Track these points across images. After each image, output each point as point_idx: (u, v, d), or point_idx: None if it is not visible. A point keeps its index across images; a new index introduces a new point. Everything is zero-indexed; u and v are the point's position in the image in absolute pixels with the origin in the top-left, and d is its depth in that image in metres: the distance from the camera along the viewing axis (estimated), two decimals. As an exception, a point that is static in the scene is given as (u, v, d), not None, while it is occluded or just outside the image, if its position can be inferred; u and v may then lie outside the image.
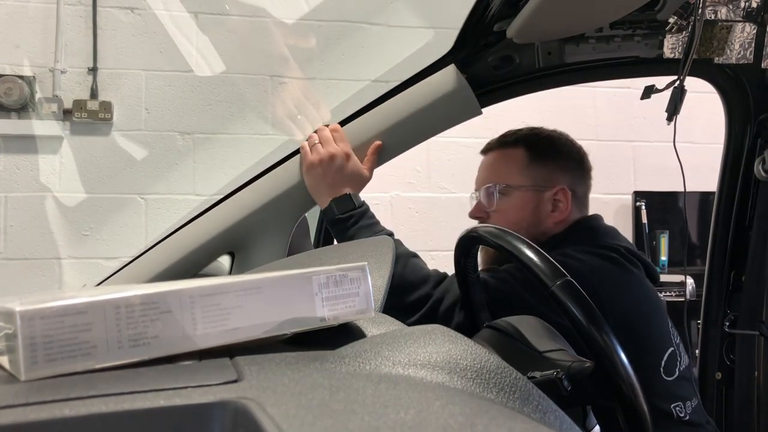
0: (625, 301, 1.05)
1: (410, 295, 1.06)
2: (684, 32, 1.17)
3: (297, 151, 1.18)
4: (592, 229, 1.19)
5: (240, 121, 2.73)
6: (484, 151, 1.29)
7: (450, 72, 1.15)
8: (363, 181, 1.16)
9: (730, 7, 1.15)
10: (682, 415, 1.05)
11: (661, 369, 1.05)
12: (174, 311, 0.41)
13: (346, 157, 1.13)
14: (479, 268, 1.01)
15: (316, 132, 1.17)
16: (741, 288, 1.35)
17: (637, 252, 1.13)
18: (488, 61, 1.18)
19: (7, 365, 0.40)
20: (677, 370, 1.07)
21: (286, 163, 1.18)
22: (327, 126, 1.17)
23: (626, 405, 0.67)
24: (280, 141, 2.72)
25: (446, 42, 1.16)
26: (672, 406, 1.04)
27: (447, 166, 2.90)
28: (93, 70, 2.62)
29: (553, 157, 1.22)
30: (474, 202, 1.26)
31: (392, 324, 0.53)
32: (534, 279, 0.74)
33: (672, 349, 1.08)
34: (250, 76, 2.74)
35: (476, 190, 1.27)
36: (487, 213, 1.22)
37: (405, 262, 1.10)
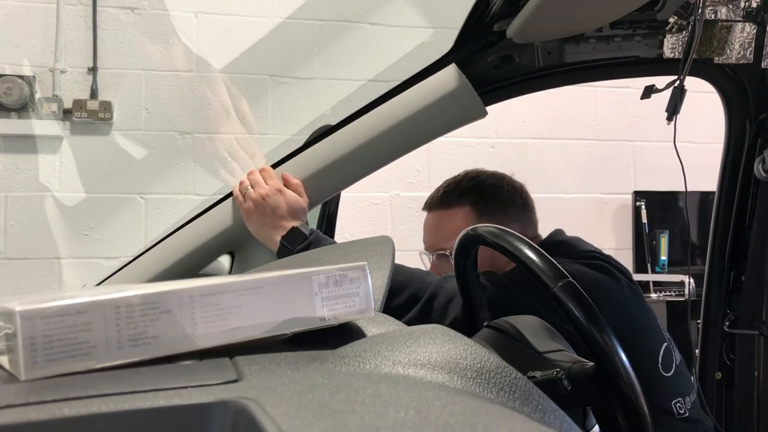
0: (616, 303, 1.05)
1: (400, 296, 1.05)
2: (684, 32, 1.17)
3: (297, 151, 1.18)
4: (561, 243, 1.18)
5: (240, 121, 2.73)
6: (428, 208, 1.27)
7: (451, 72, 1.14)
8: (303, 210, 1.14)
9: (730, 6, 1.15)
10: (683, 411, 1.05)
11: (659, 366, 1.05)
12: (174, 311, 0.41)
13: (278, 192, 1.11)
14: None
15: (246, 177, 1.15)
16: (741, 288, 1.35)
17: (607, 257, 1.14)
18: (488, 60, 1.18)
19: (7, 365, 0.40)
20: (674, 365, 1.07)
21: (287, 163, 1.18)
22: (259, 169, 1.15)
23: (626, 405, 0.67)
24: (280, 140, 2.73)
25: (446, 42, 1.16)
26: (673, 402, 1.05)
27: (447, 166, 2.90)
28: (93, 70, 2.62)
29: (500, 210, 1.20)
30: (429, 264, 1.25)
31: (392, 324, 0.53)
32: (535, 280, 0.74)
33: (666, 344, 1.08)
34: (250, 76, 2.74)
35: (426, 250, 1.25)
36: (442, 273, 1.20)
37: None
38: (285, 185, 1.14)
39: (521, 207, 1.23)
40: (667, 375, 1.06)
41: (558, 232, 1.23)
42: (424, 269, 1.16)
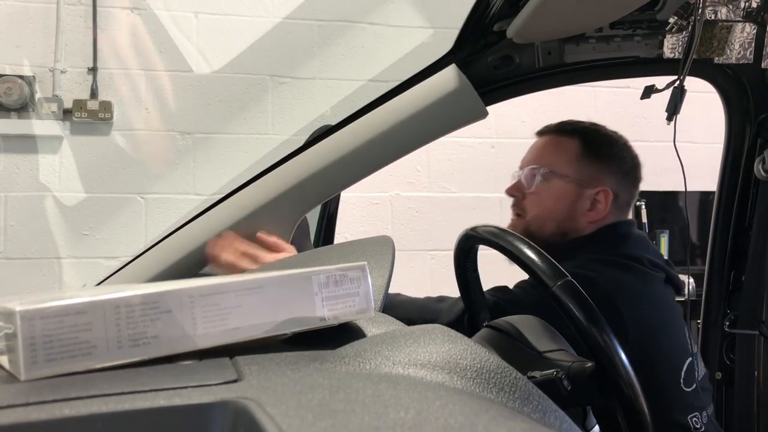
0: (644, 313, 1.03)
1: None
2: (684, 32, 1.17)
3: (297, 151, 1.18)
4: (619, 235, 1.17)
5: (240, 121, 2.73)
6: (540, 133, 1.27)
7: (451, 72, 1.14)
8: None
9: (730, 7, 1.15)
10: (699, 426, 1.03)
11: (681, 381, 1.04)
12: (174, 311, 0.41)
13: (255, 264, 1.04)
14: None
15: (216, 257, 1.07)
16: (741, 288, 1.35)
17: (660, 263, 1.12)
18: (488, 60, 1.17)
19: (7, 365, 0.40)
20: (695, 380, 1.05)
21: (287, 163, 1.18)
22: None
23: (626, 405, 0.67)
24: (280, 141, 2.73)
25: (446, 42, 1.16)
26: (689, 417, 1.03)
27: (447, 166, 2.90)
28: (93, 70, 2.62)
29: (605, 156, 1.20)
30: (514, 180, 1.24)
31: (392, 324, 0.53)
32: (534, 279, 0.74)
33: (691, 359, 1.06)
34: (250, 76, 2.74)
35: (520, 168, 1.24)
36: (523, 194, 1.21)
37: (392, 304, 1.07)
38: (262, 244, 1.07)
39: (628, 168, 1.22)
40: (687, 390, 1.04)
41: (625, 223, 1.21)
42: (433, 296, 1.14)
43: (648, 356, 0.85)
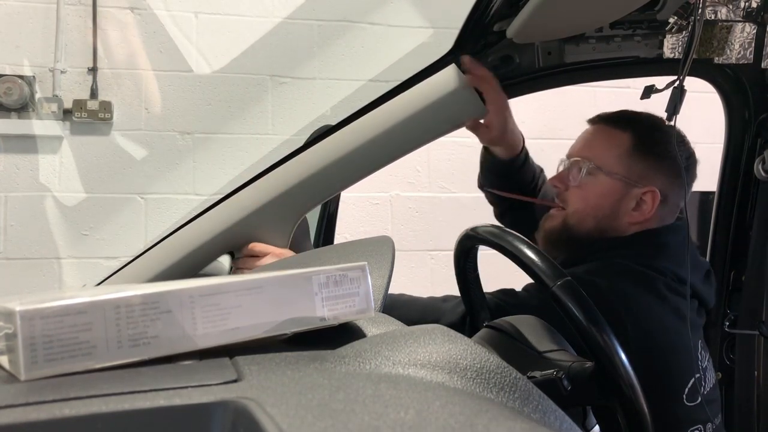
0: (651, 329, 0.99)
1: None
2: (684, 32, 1.17)
3: (297, 151, 1.18)
4: (656, 245, 1.10)
5: (240, 121, 2.73)
6: (591, 122, 1.20)
7: (451, 72, 1.14)
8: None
9: (730, 7, 1.15)
10: None
11: (684, 395, 1.01)
12: (174, 311, 0.41)
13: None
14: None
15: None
16: (741, 288, 1.35)
17: (686, 278, 1.03)
18: (488, 60, 1.17)
19: (7, 365, 0.40)
20: (700, 395, 1.02)
21: (287, 163, 1.18)
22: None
23: (626, 405, 0.67)
24: (280, 141, 2.73)
25: (446, 42, 1.16)
26: (690, 430, 1.00)
27: (447, 166, 2.90)
28: (93, 70, 2.62)
29: (657, 154, 1.12)
30: (560, 168, 1.19)
31: (392, 324, 0.53)
32: (534, 279, 0.74)
33: (697, 375, 1.02)
34: (250, 76, 2.74)
35: (567, 157, 1.18)
36: (566, 185, 1.15)
37: (396, 304, 1.07)
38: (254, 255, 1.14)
39: (680, 170, 1.12)
40: (690, 404, 1.01)
41: (667, 231, 1.12)
42: (436, 296, 1.13)
43: (649, 373, 0.82)
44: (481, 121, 1.18)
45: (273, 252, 1.14)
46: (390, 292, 0.62)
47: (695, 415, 1.02)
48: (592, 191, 1.12)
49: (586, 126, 1.21)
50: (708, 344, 1.37)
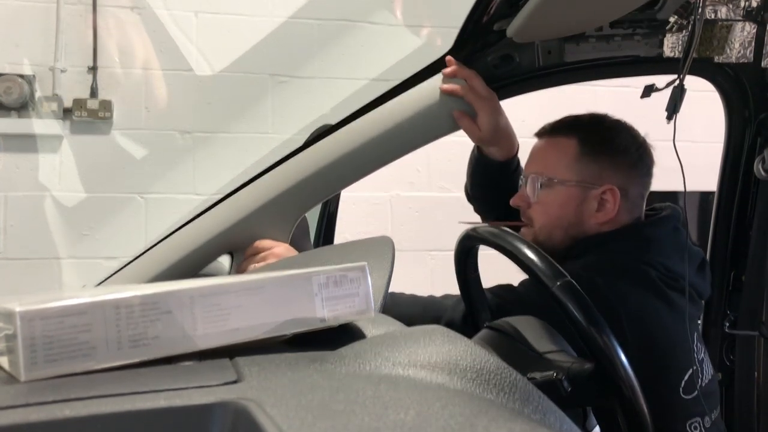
0: (648, 326, 1.00)
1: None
2: (684, 31, 1.17)
3: (297, 151, 1.18)
4: (640, 239, 1.10)
5: (240, 121, 2.73)
6: (538, 134, 1.21)
7: (450, 72, 1.14)
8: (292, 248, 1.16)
9: (730, 6, 1.15)
10: (698, 431, 1.01)
11: (681, 389, 1.01)
12: (174, 311, 0.41)
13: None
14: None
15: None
16: (741, 288, 1.35)
17: (680, 272, 1.05)
18: (488, 60, 1.17)
19: (7, 366, 0.40)
20: (697, 387, 1.02)
21: (287, 162, 1.18)
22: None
23: (626, 406, 0.67)
24: (280, 140, 2.73)
25: (446, 42, 1.16)
26: (688, 423, 1.01)
27: (447, 166, 2.89)
28: (93, 69, 2.62)
29: (606, 153, 1.13)
30: (521, 188, 1.20)
31: (392, 324, 0.53)
32: (534, 279, 0.74)
33: (694, 368, 1.03)
34: (250, 76, 2.74)
35: (523, 176, 1.19)
36: (528, 203, 1.16)
37: (396, 301, 1.07)
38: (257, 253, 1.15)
39: (634, 160, 1.14)
40: (687, 397, 1.01)
41: (650, 224, 1.13)
42: (436, 295, 1.13)
43: (647, 369, 0.82)
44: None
45: (279, 246, 1.14)
46: (390, 291, 0.62)
47: (693, 407, 1.02)
48: (552, 203, 1.13)
49: None
50: (708, 344, 1.37)
